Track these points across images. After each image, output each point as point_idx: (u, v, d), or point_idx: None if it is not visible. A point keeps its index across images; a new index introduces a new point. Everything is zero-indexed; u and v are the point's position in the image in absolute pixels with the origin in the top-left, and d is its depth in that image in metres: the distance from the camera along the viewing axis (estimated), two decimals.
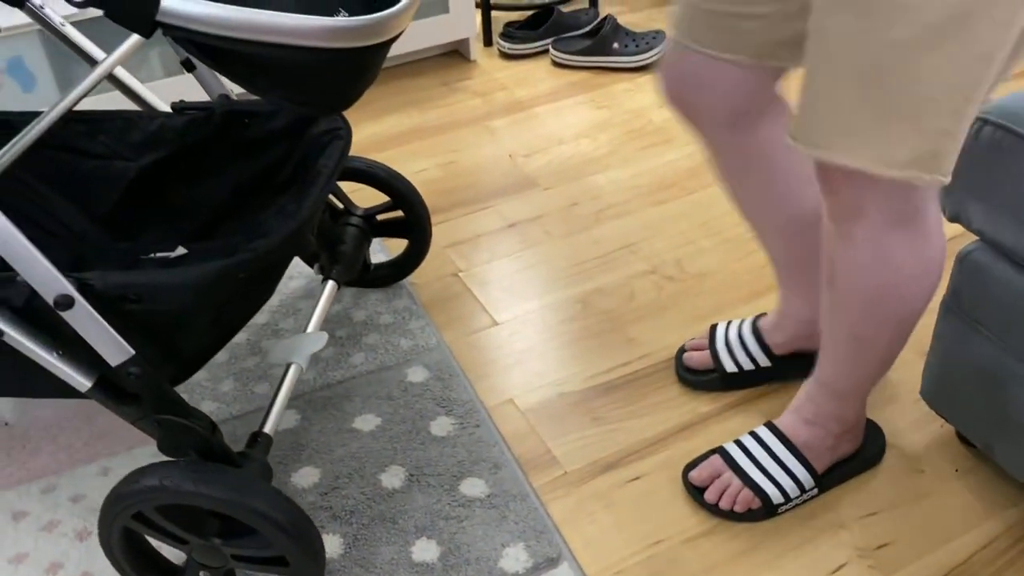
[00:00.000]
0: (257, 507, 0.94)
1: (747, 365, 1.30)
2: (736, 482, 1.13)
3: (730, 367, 1.30)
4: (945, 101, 0.79)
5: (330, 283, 1.30)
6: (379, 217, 1.43)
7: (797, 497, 1.13)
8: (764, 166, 1.11)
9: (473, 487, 1.20)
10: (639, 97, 2.13)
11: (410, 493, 1.19)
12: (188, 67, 1.23)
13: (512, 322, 1.48)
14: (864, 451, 1.18)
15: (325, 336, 1.17)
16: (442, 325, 1.48)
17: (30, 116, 1.22)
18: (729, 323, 1.35)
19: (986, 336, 1.05)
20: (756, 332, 1.31)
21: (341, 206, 1.40)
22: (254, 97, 0.96)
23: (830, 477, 1.16)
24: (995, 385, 1.05)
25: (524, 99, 2.14)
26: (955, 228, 1.07)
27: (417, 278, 1.58)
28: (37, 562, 1.14)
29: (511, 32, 2.34)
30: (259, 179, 1.25)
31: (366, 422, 1.30)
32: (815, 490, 1.14)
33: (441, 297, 1.54)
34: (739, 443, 1.17)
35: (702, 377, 1.32)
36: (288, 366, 1.15)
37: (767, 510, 1.13)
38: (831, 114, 0.84)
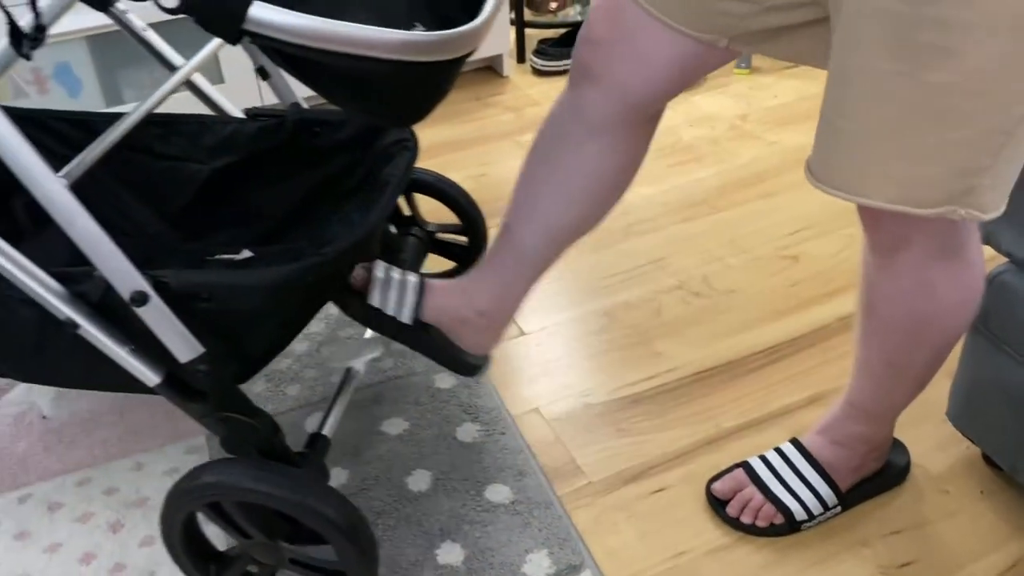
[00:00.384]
0: (315, 506, 0.95)
1: (391, 310, 1.15)
2: (758, 496, 1.14)
3: (375, 301, 1.15)
4: (983, 143, 0.76)
5: None
6: (440, 235, 1.44)
7: (820, 514, 1.14)
8: (613, 165, 1.04)
9: (498, 493, 1.21)
10: (669, 116, 2.12)
11: (436, 497, 1.21)
12: (263, 75, 1.26)
13: (539, 333, 1.50)
14: (889, 470, 1.19)
15: (381, 344, 1.18)
16: None
17: (107, 117, 1.27)
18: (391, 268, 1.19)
19: (1014, 358, 1.05)
20: (420, 287, 1.16)
21: (406, 215, 1.41)
22: (326, 106, 0.98)
23: (854, 495, 1.16)
24: (1023, 407, 1.05)
25: None
26: (985, 250, 1.07)
27: None
28: (71, 552, 1.16)
29: (544, 49, 2.37)
30: (325, 187, 1.28)
31: (394, 426, 1.32)
32: (838, 508, 1.15)
33: None
34: (763, 458, 1.18)
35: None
36: (347, 370, 1.17)
37: (790, 526, 1.13)
38: (856, 156, 0.80)
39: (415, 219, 1.41)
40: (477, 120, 2.16)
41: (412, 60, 0.78)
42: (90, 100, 1.89)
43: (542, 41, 2.42)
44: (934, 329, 0.96)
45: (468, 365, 1.19)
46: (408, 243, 1.37)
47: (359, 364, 1.18)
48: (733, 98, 2.23)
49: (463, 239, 1.46)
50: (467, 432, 1.31)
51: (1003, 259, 1.05)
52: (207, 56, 1.14)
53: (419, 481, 1.23)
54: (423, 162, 1.99)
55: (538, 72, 2.38)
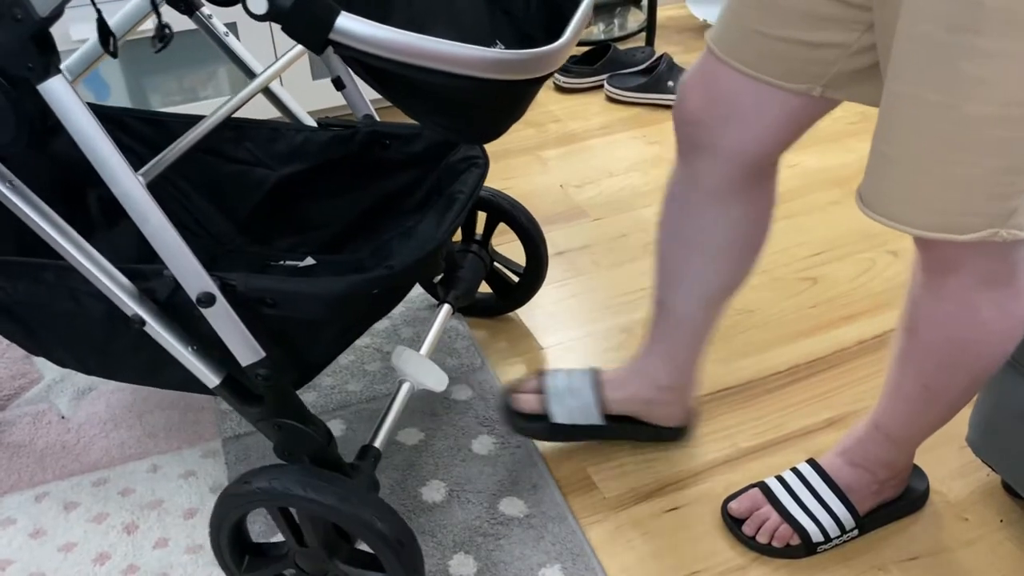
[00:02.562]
0: (364, 517, 0.95)
1: (578, 420, 1.23)
2: (775, 516, 1.13)
3: (560, 419, 1.23)
4: (1021, 168, 0.77)
5: (445, 306, 1.31)
6: (497, 265, 1.45)
7: (837, 537, 1.13)
8: (740, 225, 1.05)
9: (512, 506, 1.21)
10: None
11: (450, 508, 1.21)
12: (338, 86, 1.28)
13: (557, 347, 1.50)
14: (908, 495, 1.17)
15: (445, 380, 1.18)
16: (487, 346, 1.50)
17: (182, 118, 1.29)
18: (561, 370, 1.27)
19: None
20: (596, 385, 1.23)
21: (466, 233, 1.42)
22: (399, 120, 0.97)
23: (872, 519, 1.15)
24: None
25: (577, 132, 2.18)
26: None
27: None
28: (85, 552, 1.17)
29: (567, 66, 2.38)
30: (390, 200, 1.28)
31: (410, 436, 1.32)
32: (855, 531, 1.14)
33: (488, 319, 1.56)
34: (780, 478, 1.17)
35: (529, 423, 1.25)
36: (400, 383, 1.17)
37: (807, 548, 1.12)
38: (901, 184, 0.81)
39: (475, 237, 1.42)
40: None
41: (495, 78, 0.78)
42: (116, 104, 1.91)
43: None
44: (973, 355, 0.95)
45: (674, 434, 1.28)
46: (468, 260, 1.38)
47: (416, 383, 1.17)
48: None
49: (514, 278, 1.47)
50: (483, 444, 1.30)
51: None
52: (286, 64, 1.15)
53: (434, 492, 1.23)
54: None
55: (561, 89, 2.39)
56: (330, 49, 0.78)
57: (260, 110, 1.37)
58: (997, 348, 0.94)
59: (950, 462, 1.26)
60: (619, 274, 1.67)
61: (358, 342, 1.49)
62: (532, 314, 1.57)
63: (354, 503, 0.95)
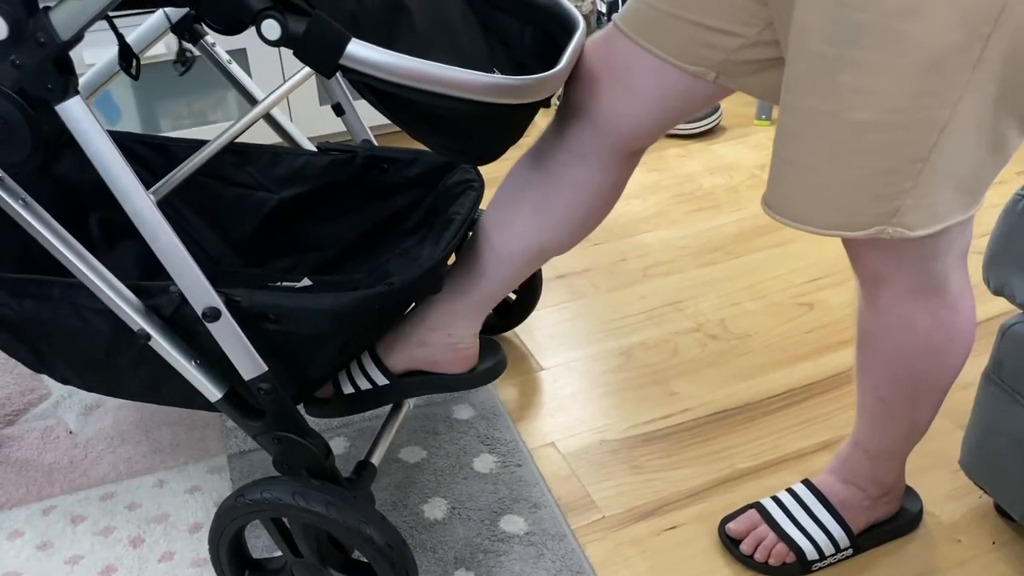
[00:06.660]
0: (358, 527, 0.97)
1: (364, 385, 1.18)
2: (772, 536, 1.15)
3: (347, 389, 1.19)
4: (903, 170, 0.82)
5: None
6: None
7: (832, 555, 1.15)
8: (584, 193, 1.05)
9: (512, 524, 1.23)
10: (690, 163, 2.19)
11: (451, 525, 1.23)
12: (338, 111, 1.32)
13: (556, 368, 1.53)
14: (901, 516, 1.19)
15: None
16: None
17: (184, 143, 1.33)
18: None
19: None
20: (371, 348, 1.18)
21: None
22: (398, 145, 1.01)
23: (866, 538, 1.17)
24: None
25: None
26: (1002, 303, 1.10)
27: None
28: (92, 565, 1.18)
29: None
30: (389, 222, 1.32)
31: (412, 454, 1.34)
32: (850, 550, 1.16)
33: None
34: (776, 499, 1.19)
35: (324, 407, 1.20)
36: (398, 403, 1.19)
37: (802, 565, 1.14)
38: (797, 186, 0.87)
39: None
40: (502, 160, 2.20)
41: (495, 102, 0.82)
42: (127, 128, 1.95)
43: None
44: (918, 366, 1.00)
45: (472, 380, 1.19)
46: None
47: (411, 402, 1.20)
48: (752, 148, 2.27)
49: (511, 296, 1.49)
50: (484, 463, 1.32)
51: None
52: (288, 91, 1.18)
53: (435, 509, 1.25)
54: None
55: None
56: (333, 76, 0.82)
57: (263, 135, 1.41)
58: (940, 358, 0.99)
59: (943, 484, 1.28)
60: (618, 297, 1.70)
61: None
62: (533, 335, 1.60)
63: (343, 510, 0.97)
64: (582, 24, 0.99)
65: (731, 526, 1.19)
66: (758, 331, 1.60)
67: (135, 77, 1.00)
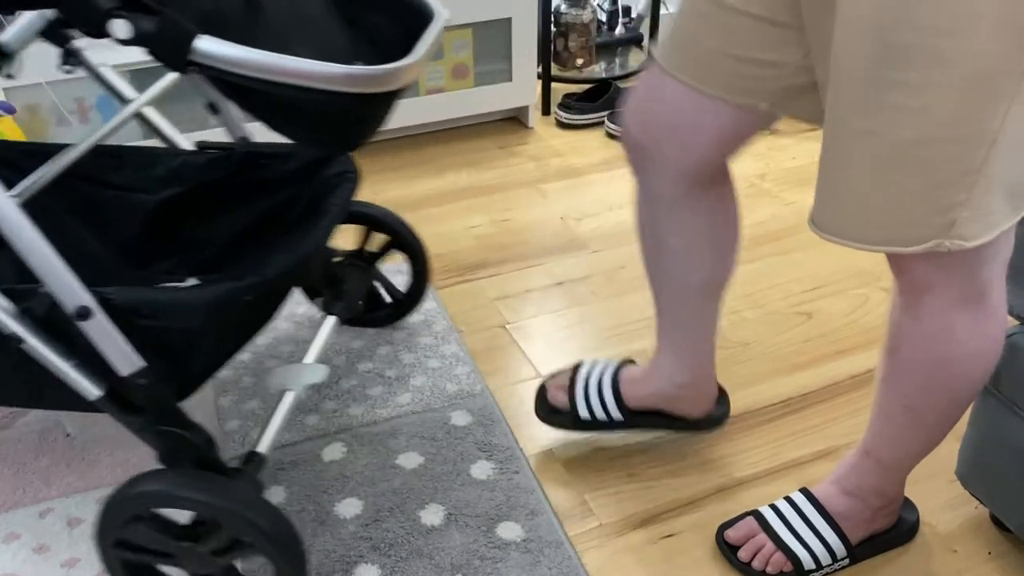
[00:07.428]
0: (240, 511, 0.98)
1: (600, 415, 1.33)
2: (769, 544, 1.15)
3: (583, 414, 1.33)
4: (957, 182, 0.82)
5: (331, 318, 1.37)
6: (382, 259, 1.52)
7: (828, 565, 1.15)
8: (702, 226, 1.13)
9: (509, 530, 1.23)
10: None
11: (448, 531, 1.23)
12: (213, 110, 1.32)
13: None
14: (898, 526, 1.20)
15: (325, 369, 1.22)
16: (487, 373, 1.52)
17: (57, 147, 1.32)
18: (594, 364, 1.36)
19: None
20: (615, 383, 1.33)
21: (352, 248, 1.48)
22: (274, 140, 1.03)
23: (863, 548, 1.17)
24: None
25: (578, 166, 2.22)
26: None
27: (466, 327, 1.63)
28: (88, 567, 1.18)
29: (569, 103, 2.43)
30: (270, 217, 1.32)
31: (409, 460, 1.34)
32: (847, 560, 1.16)
33: (488, 346, 1.59)
34: (774, 507, 1.19)
35: (557, 416, 1.36)
36: (282, 393, 1.21)
37: (799, 575, 1.14)
38: (847, 204, 0.87)
39: (358, 251, 1.48)
40: (501, 167, 2.21)
41: (346, 91, 0.85)
42: (129, 132, 1.95)
43: (567, 95, 2.48)
44: (953, 374, 0.99)
45: (703, 424, 1.34)
46: (351, 273, 1.45)
47: (298, 388, 1.21)
48: (753, 157, 2.28)
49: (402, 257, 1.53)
50: (481, 469, 1.32)
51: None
52: (160, 91, 1.20)
53: (432, 515, 1.25)
54: (449, 205, 2.04)
55: (562, 125, 2.44)
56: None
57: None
58: (974, 367, 0.99)
59: (940, 495, 1.28)
60: (618, 305, 1.70)
61: (360, 366, 1.52)
62: (532, 342, 1.60)
63: (231, 499, 0.98)
64: (440, 15, 1.01)
65: (729, 533, 1.19)
66: (757, 340, 1.61)
67: (10, 76, 1.02)
